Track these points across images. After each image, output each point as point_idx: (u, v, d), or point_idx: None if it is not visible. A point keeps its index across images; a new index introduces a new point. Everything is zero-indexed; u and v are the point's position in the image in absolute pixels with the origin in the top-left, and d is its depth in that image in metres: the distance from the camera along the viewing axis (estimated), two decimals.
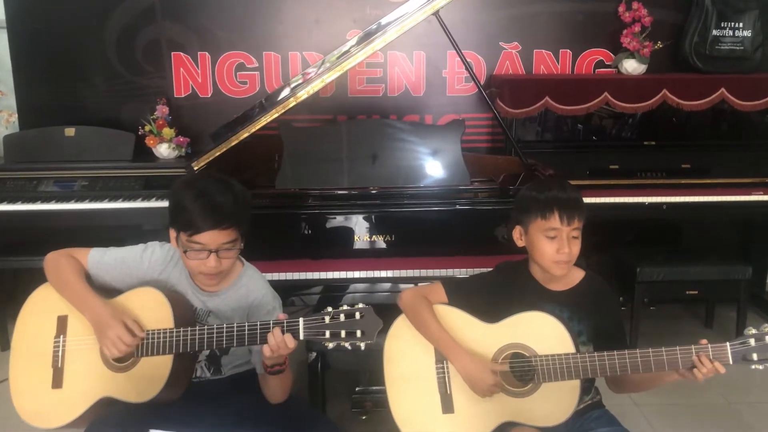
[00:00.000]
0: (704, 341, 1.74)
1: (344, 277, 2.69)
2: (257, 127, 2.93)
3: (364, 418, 2.80)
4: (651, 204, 3.59)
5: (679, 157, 3.80)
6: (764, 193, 3.65)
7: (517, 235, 2.00)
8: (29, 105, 3.97)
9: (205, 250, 1.82)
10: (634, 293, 3.49)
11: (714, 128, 4.00)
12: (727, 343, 1.73)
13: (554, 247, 1.89)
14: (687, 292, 3.52)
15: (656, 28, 3.90)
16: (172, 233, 1.88)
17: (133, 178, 3.60)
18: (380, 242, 2.78)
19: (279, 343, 1.71)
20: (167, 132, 3.79)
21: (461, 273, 2.69)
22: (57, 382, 1.86)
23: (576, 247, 1.91)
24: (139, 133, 3.78)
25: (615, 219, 3.69)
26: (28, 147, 3.70)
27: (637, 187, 3.67)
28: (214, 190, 1.83)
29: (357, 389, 2.85)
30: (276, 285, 2.61)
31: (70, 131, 3.73)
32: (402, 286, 2.70)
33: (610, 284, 3.72)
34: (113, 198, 3.50)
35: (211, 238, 1.81)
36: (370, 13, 3.89)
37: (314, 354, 2.67)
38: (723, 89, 3.68)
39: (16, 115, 3.95)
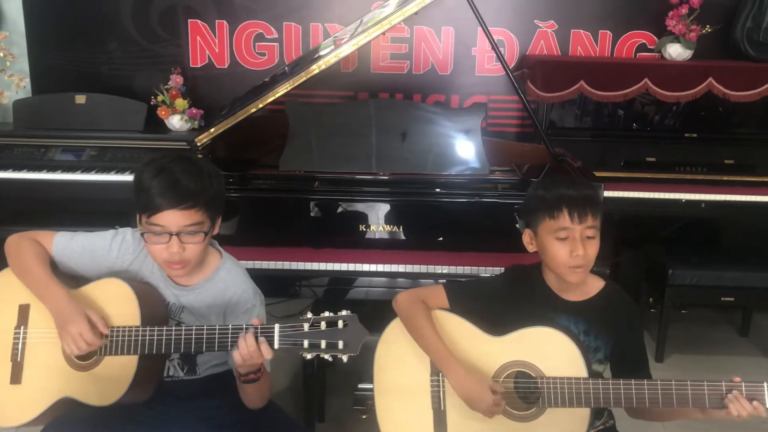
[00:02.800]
0: (737, 378, 1.52)
1: (346, 269, 2.49)
2: (267, 101, 2.73)
3: (364, 417, 2.64)
4: (688, 201, 3.34)
5: (722, 151, 3.54)
6: None
7: (527, 240, 1.78)
8: (41, 69, 3.85)
9: (165, 233, 1.64)
10: (664, 296, 3.25)
11: (762, 121, 3.69)
12: (765, 384, 1.50)
13: (566, 250, 1.67)
14: (722, 299, 3.28)
15: (705, 11, 3.59)
16: (138, 218, 1.71)
17: (142, 150, 3.48)
18: (387, 233, 2.58)
19: (251, 352, 1.54)
20: (180, 103, 3.64)
21: (474, 270, 2.48)
22: (15, 377, 1.70)
23: (592, 249, 1.69)
24: (152, 103, 3.65)
25: (649, 215, 3.46)
26: (37, 113, 3.61)
27: (674, 182, 3.41)
28: (176, 168, 1.64)
29: (359, 386, 2.68)
30: (274, 274, 2.50)
31: (81, 98, 3.63)
32: (410, 281, 2.52)
33: (639, 285, 3.54)
34: (121, 170, 3.39)
35: (171, 218, 1.63)
36: None
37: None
38: None
39: (28, 80, 3.83)
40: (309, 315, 1.55)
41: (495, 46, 2.77)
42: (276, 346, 1.55)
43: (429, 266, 2.50)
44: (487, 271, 2.46)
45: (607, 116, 3.73)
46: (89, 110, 3.60)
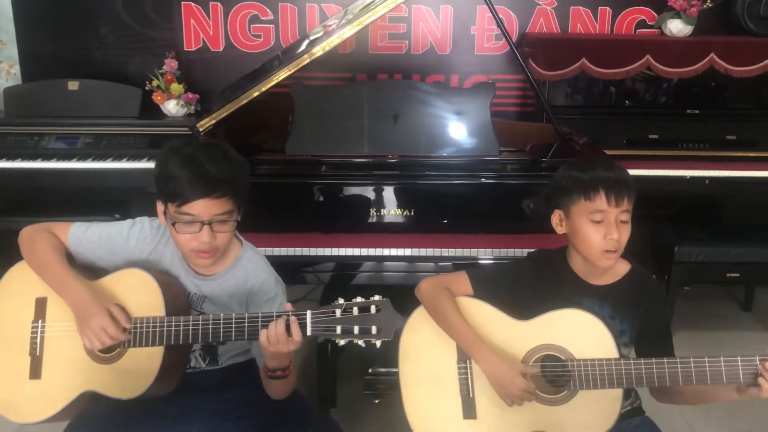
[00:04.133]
0: None
1: (356, 254, 2.46)
2: (269, 85, 2.67)
3: (377, 401, 2.63)
4: (693, 178, 3.33)
5: (724, 127, 3.53)
6: None
7: (557, 221, 1.75)
8: (31, 56, 3.78)
9: (197, 222, 1.60)
10: (670, 273, 3.25)
11: (764, 97, 3.68)
12: None
13: (601, 233, 1.65)
14: (728, 275, 3.28)
15: None
16: (160, 207, 1.67)
17: (139, 136, 3.43)
18: (397, 217, 2.54)
19: (279, 335, 1.51)
20: (176, 88, 3.57)
21: (486, 253, 2.46)
22: (35, 372, 1.66)
23: (625, 233, 1.67)
24: (146, 88, 3.58)
25: (653, 193, 3.40)
26: (29, 100, 3.52)
27: (678, 159, 3.41)
28: (204, 156, 1.61)
29: (369, 371, 2.67)
30: (282, 260, 2.46)
31: (74, 84, 3.54)
32: (420, 265, 2.49)
33: (646, 263, 3.54)
34: (118, 157, 3.32)
35: (202, 208, 1.59)
36: None
37: None
38: None
39: (18, 67, 3.75)
40: (341, 301, 1.52)
41: (500, 23, 2.73)
42: (309, 332, 1.52)
43: (440, 249, 2.48)
44: (500, 254, 2.44)
45: (610, 94, 3.71)
46: (83, 97, 3.52)
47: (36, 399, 1.65)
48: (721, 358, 1.54)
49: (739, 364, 1.52)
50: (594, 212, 1.65)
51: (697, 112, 3.61)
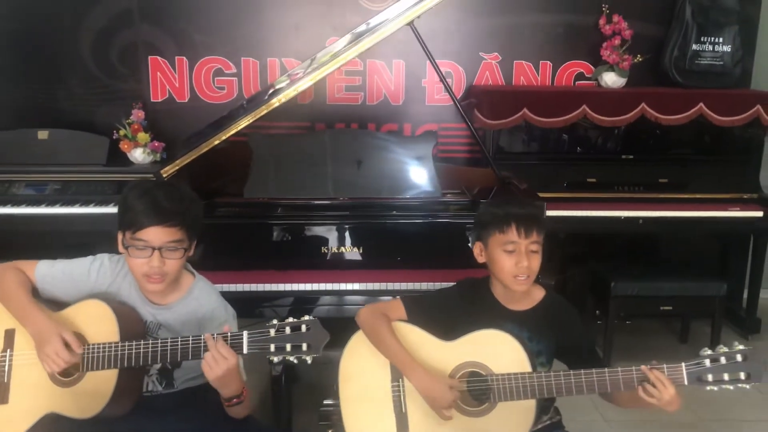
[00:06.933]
0: (654, 362, 1.72)
1: (309, 289, 2.64)
2: (229, 134, 2.87)
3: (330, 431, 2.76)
4: (627, 218, 3.58)
5: (657, 171, 3.80)
6: (741, 209, 3.65)
7: (478, 251, 1.97)
8: (2, 106, 3.92)
9: (149, 247, 1.79)
10: (608, 307, 3.47)
11: (692, 143, 3.99)
12: (683, 364, 1.71)
13: (513, 261, 1.87)
14: (661, 308, 3.51)
15: (636, 42, 3.88)
16: (119, 236, 1.85)
17: (106, 183, 3.54)
18: (348, 254, 2.74)
19: (216, 356, 1.68)
20: (142, 137, 3.73)
21: (431, 286, 2.64)
22: (2, 397, 1.81)
23: (535, 262, 1.89)
24: (114, 137, 3.72)
25: (591, 232, 3.69)
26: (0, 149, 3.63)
27: (614, 201, 3.66)
28: (159, 191, 1.82)
29: (324, 402, 2.80)
30: (241, 296, 2.63)
31: (43, 134, 3.67)
32: (370, 298, 2.67)
33: (585, 298, 3.76)
34: (85, 203, 3.44)
35: (154, 234, 1.78)
36: (350, 20, 3.85)
37: (280, 367, 2.63)
38: (702, 104, 3.66)
39: None
40: (275, 321, 1.69)
41: (442, 78, 2.98)
42: (245, 351, 1.69)
43: (387, 283, 2.67)
44: (441, 287, 2.62)
45: (551, 141, 3.95)
46: (52, 145, 3.64)
47: (3, 422, 1.79)
48: (606, 370, 1.77)
49: (620, 374, 1.75)
50: (506, 243, 1.87)
51: (631, 157, 3.88)
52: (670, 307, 3.51)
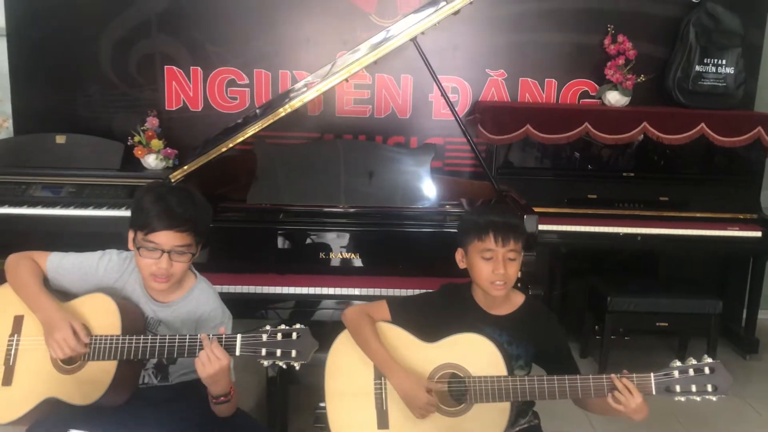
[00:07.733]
0: (625, 371, 1.79)
1: (309, 293, 2.73)
2: (236, 142, 2.97)
3: None
4: (626, 235, 3.64)
5: (657, 189, 3.86)
6: (740, 229, 3.69)
7: (459, 257, 2.06)
8: (24, 111, 4.06)
9: (159, 250, 1.89)
10: (604, 321, 3.52)
11: (693, 163, 4.04)
12: (651, 374, 1.78)
13: (490, 268, 1.95)
14: (657, 324, 3.56)
15: (640, 62, 3.96)
16: (131, 234, 1.96)
17: (119, 187, 3.67)
18: (346, 260, 2.83)
19: (210, 356, 1.77)
20: (156, 143, 3.87)
21: None
22: (7, 379, 1.92)
23: (512, 269, 1.96)
24: (129, 143, 3.86)
25: (590, 248, 3.75)
26: (19, 152, 3.78)
27: (613, 218, 3.72)
28: (173, 195, 1.93)
29: (319, 405, 2.87)
30: (244, 298, 2.73)
31: (61, 138, 3.81)
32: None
33: (583, 312, 3.81)
34: (98, 206, 3.57)
35: (165, 238, 1.89)
36: (360, 35, 3.97)
37: (276, 369, 2.71)
38: (703, 124, 3.72)
39: (11, 121, 4.05)
40: (267, 327, 1.79)
41: (443, 92, 3.08)
42: (237, 353, 1.80)
43: (383, 289, 2.75)
44: None
45: (555, 157, 4.02)
46: (69, 150, 3.78)
47: (5, 403, 1.90)
48: (578, 376, 1.85)
49: (591, 381, 1.83)
50: (484, 250, 1.96)
51: (632, 174, 3.94)
52: (666, 324, 3.56)
